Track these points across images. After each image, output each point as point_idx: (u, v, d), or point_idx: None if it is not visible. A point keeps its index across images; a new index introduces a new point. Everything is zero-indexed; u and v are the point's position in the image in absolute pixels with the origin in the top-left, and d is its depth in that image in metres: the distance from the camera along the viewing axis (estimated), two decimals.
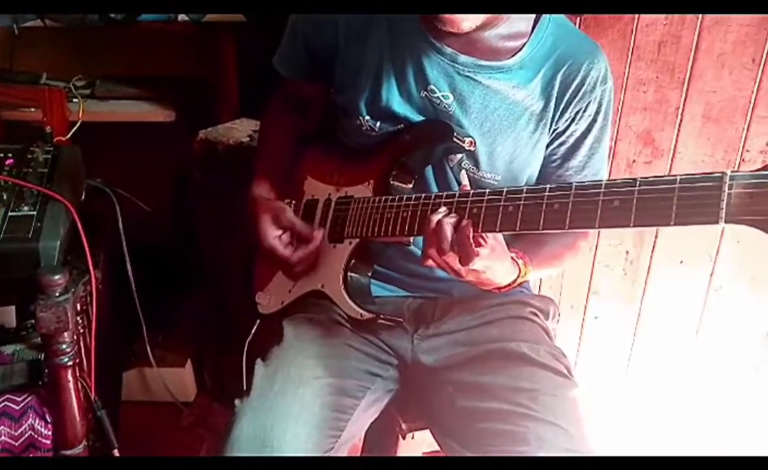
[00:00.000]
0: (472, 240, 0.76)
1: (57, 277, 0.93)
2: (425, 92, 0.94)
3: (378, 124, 0.98)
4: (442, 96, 0.93)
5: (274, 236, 0.98)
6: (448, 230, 0.78)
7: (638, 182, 0.68)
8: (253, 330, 1.12)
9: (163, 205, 1.86)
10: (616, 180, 0.70)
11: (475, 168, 0.95)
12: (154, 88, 1.91)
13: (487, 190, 0.80)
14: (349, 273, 0.96)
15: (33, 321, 1.13)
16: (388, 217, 0.91)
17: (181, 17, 1.72)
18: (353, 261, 0.96)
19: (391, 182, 0.95)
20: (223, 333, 1.56)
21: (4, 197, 1.02)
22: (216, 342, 1.65)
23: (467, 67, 0.92)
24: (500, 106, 0.93)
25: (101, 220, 1.26)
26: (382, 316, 0.92)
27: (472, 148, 0.93)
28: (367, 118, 0.98)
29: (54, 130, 1.41)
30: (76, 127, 1.58)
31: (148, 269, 1.49)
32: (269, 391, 0.87)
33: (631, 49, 1.34)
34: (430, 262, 0.81)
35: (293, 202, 1.07)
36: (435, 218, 0.80)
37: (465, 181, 0.89)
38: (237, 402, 0.87)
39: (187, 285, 1.75)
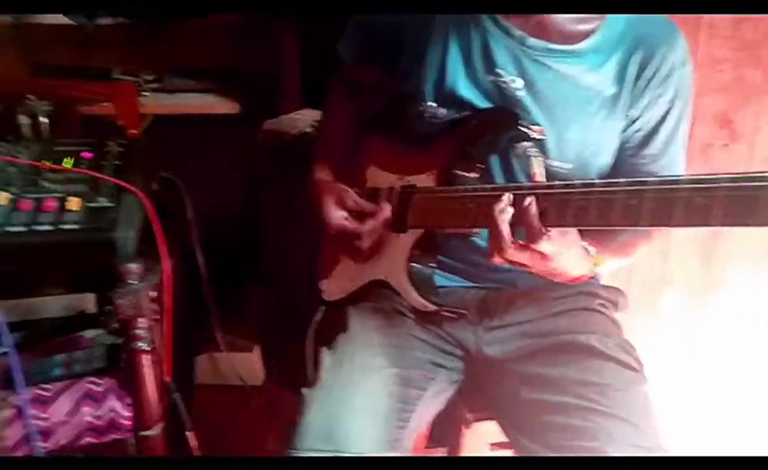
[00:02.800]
0: (538, 219, 0.74)
1: (134, 266, 0.97)
2: (492, 77, 0.92)
3: (442, 110, 0.96)
4: (510, 80, 0.91)
5: (340, 216, 0.99)
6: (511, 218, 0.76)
7: (724, 178, 0.62)
8: (317, 317, 1.14)
9: (230, 194, 1.92)
10: (698, 176, 0.65)
11: (543, 156, 0.93)
12: (218, 81, 1.96)
13: (559, 182, 0.77)
14: (412, 264, 0.96)
15: (111, 307, 1.19)
16: (453, 208, 0.89)
17: None
18: (417, 251, 0.96)
19: (456, 171, 0.94)
20: (289, 320, 1.59)
21: (83, 189, 1.07)
22: (282, 328, 1.69)
23: (537, 51, 0.90)
24: (571, 92, 0.90)
25: (172, 210, 1.31)
26: (445, 308, 0.91)
27: (541, 136, 0.90)
28: (432, 104, 0.96)
29: (126, 123, 1.47)
30: (147, 121, 1.64)
31: (216, 257, 1.54)
32: (336, 381, 0.88)
33: (704, 26, 1.27)
34: (496, 259, 0.80)
35: (355, 190, 1.08)
36: (499, 208, 0.77)
37: (538, 169, 0.86)
38: (305, 391, 0.89)
39: (255, 273, 1.80)
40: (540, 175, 0.84)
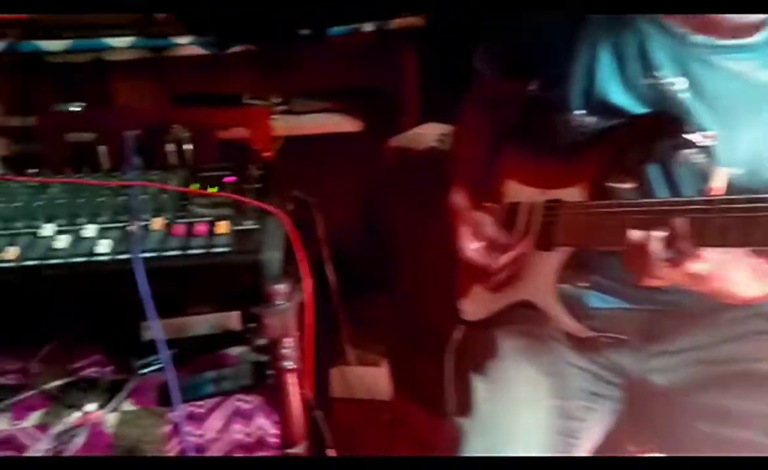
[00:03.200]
0: (688, 238, 0.67)
1: (280, 287, 0.99)
2: (650, 79, 0.85)
3: (592, 118, 0.90)
4: (671, 82, 0.84)
5: (474, 248, 0.96)
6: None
7: None
8: (456, 336, 1.11)
9: (356, 210, 1.95)
10: None
11: (709, 164, 0.84)
12: (342, 100, 2.00)
13: (737, 197, 0.69)
14: (562, 285, 0.90)
15: (255, 324, 1.23)
16: (606, 224, 0.83)
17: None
18: (566, 271, 0.90)
19: (609, 184, 0.87)
20: (420, 335, 1.58)
21: (229, 212, 1.12)
22: (412, 342, 1.68)
23: (702, 48, 0.82)
24: (742, 90, 0.81)
25: (304, 228, 1.34)
26: (603, 335, 0.85)
27: (708, 142, 0.82)
28: (581, 112, 0.90)
29: (260, 147, 1.53)
30: (279, 143, 1.70)
31: (344, 272, 1.57)
32: (494, 412, 0.85)
33: None
34: (646, 281, 0.73)
35: (493, 206, 1.04)
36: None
37: (716, 180, 0.78)
38: (460, 420, 0.86)
39: (384, 288, 1.81)
40: (717, 187, 0.75)
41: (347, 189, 2.00)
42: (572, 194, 0.92)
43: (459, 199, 1.04)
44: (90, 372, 1.17)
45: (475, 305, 1.06)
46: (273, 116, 1.89)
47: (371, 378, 1.78)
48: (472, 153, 1.10)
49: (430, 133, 1.57)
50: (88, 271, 0.96)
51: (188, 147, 1.38)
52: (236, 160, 1.38)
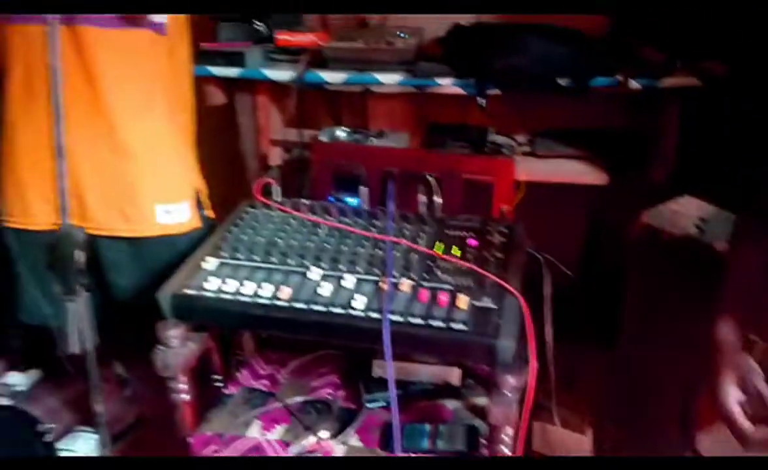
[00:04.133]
0: None
1: (509, 378, 1.02)
2: None
3: None
4: None
5: (735, 400, 0.87)
6: None
7: None
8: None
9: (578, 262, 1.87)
10: None
11: None
12: (589, 146, 1.93)
13: None
14: None
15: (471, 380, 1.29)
16: None
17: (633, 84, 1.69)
18: None
19: None
20: (633, 417, 1.50)
21: (470, 284, 1.16)
22: (623, 421, 1.60)
23: None
24: None
25: (532, 284, 1.33)
26: None
27: None
28: None
29: (503, 198, 1.55)
30: (521, 193, 1.70)
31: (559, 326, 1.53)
32: None
33: None
34: None
35: (762, 342, 0.93)
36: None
37: None
38: None
39: (599, 351, 1.74)
40: None
41: (579, 243, 1.95)
42: None
43: (726, 330, 0.93)
44: (325, 393, 1.31)
45: (716, 445, 0.97)
46: (515, 157, 1.91)
47: (573, 443, 1.73)
48: (749, 281, 0.97)
49: (687, 214, 1.45)
50: (342, 323, 1.08)
51: (438, 200, 1.46)
52: (479, 211, 1.43)
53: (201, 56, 1.77)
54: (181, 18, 1.37)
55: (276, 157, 2.03)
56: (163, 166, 1.35)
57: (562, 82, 1.73)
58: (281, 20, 1.97)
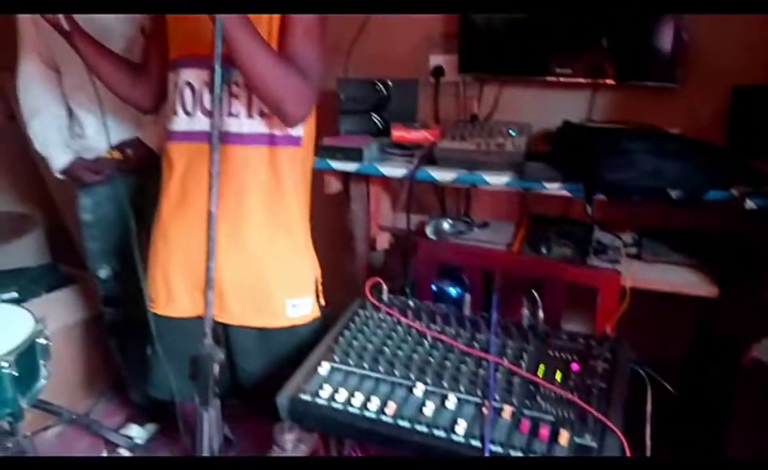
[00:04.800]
0: None
1: None
2: None
3: None
4: None
5: None
6: None
7: None
8: None
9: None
10: None
11: None
12: (697, 252, 1.88)
13: None
14: None
15: None
16: None
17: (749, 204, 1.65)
18: None
19: None
20: None
21: (572, 416, 1.17)
22: None
23: None
24: None
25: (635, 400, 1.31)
26: None
27: None
28: None
29: (606, 315, 1.55)
30: (625, 303, 1.69)
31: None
32: None
33: None
34: None
35: None
36: None
37: None
38: None
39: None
40: None
41: (682, 355, 1.89)
42: None
43: None
44: None
45: None
46: (621, 260, 1.89)
47: None
48: None
49: None
50: (443, 447, 1.13)
51: (541, 312, 1.49)
52: (582, 320, 1.44)
53: (322, 150, 1.92)
54: (313, 128, 1.50)
55: (384, 241, 2.13)
56: (294, 264, 1.47)
57: (674, 193, 1.72)
58: (397, 114, 2.10)
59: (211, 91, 1.17)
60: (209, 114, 1.34)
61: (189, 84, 1.36)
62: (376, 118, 2.09)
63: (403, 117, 2.10)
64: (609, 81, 2.02)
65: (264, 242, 1.42)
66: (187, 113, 1.38)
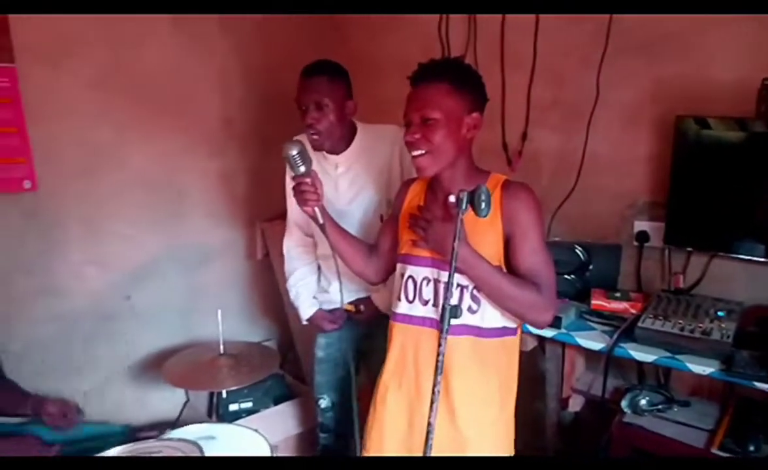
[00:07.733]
0: None
1: None
2: None
3: None
4: None
5: None
6: None
7: None
8: None
9: None
10: None
11: None
12: None
13: None
14: None
15: None
16: None
17: None
18: None
19: None
20: None
21: None
22: None
23: None
24: None
25: None
26: None
27: None
28: None
29: None
30: None
31: None
32: None
33: None
34: None
35: None
36: None
37: None
38: None
39: None
40: None
41: None
42: None
43: None
44: None
45: None
46: None
47: None
48: None
49: None
50: None
51: None
52: None
53: None
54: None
55: (576, 404, 2.17)
56: (495, 447, 1.58)
57: None
58: (597, 278, 2.16)
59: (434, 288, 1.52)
60: (425, 303, 1.57)
61: (411, 277, 1.60)
62: (575, 280, 2.17)
63: (605, 281, 2.15)
64: None
65: (467, 426, 1.54)
66: (408, 301, 1.61)
